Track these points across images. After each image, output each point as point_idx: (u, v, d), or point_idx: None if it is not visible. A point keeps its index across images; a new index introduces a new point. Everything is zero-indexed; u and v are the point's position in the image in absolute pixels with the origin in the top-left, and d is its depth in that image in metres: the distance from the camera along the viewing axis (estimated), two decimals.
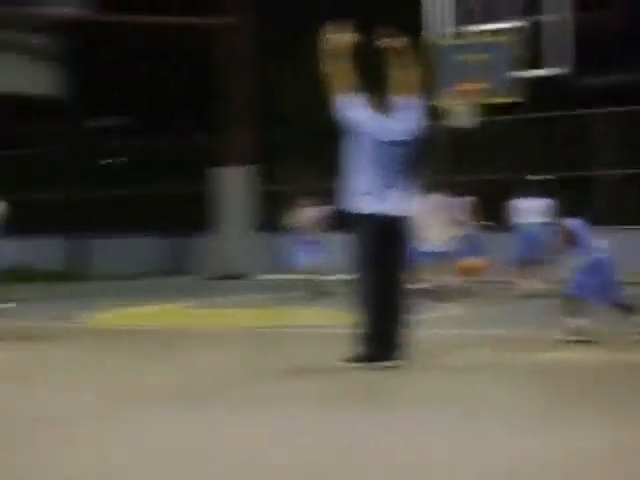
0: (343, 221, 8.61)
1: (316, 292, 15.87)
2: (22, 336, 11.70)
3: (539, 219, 15.62)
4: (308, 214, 16.41)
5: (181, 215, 23.88)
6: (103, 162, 27.61)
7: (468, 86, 18.57)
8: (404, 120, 8.34)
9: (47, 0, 22.10)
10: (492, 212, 16.70)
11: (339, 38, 8.21)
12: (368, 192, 8.19)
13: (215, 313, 14.46)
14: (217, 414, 6.72)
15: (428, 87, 12.75)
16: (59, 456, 5.67)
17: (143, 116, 27.31)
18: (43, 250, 23.90)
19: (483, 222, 16.31)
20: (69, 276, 22.60)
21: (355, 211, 8.26)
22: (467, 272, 15.66)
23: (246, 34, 22.12)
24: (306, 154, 22.16)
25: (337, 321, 10.61)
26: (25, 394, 7.82)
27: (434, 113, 16.29)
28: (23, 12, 22.19)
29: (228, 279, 21.15)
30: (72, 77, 24.69)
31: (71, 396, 7.65)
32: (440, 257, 15.03)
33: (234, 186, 22.34)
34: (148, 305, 15.37)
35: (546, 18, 19.00)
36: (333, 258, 15.66)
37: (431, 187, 14.82)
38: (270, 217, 20.97)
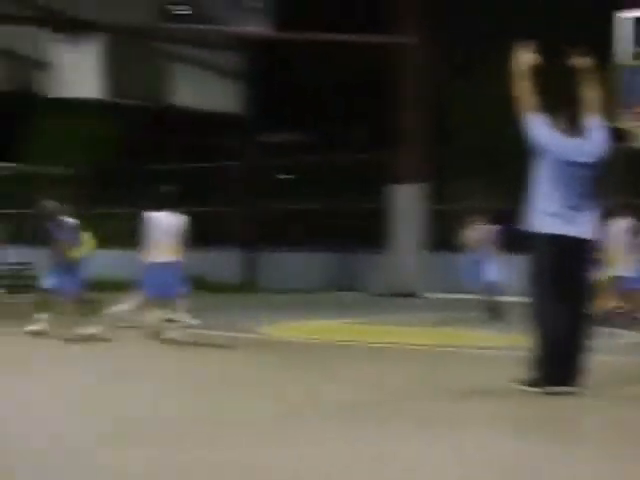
0: (521, 241, 8.48)
1: (489, 313, 15.70)
2: (199, 344, 12.05)
3: None
4: (480, 233, 16.25)
5: (354, 231, 24.04)
6: (279, 177, 28.07)
7: None
8: (593, 141, 8.19)
9: (231, 19, 22.65)
10: None
11: (523, 58, 8.16)
12: (554, 213, 8.05)
13: (386, 330, 14.48)
14: (391, 431, 6.73)
15: (611, 108, 12.51)
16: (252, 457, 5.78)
17: (320, 132, 27.65)
18: (218, 262, 24.43)
19: None
20: (242, 288, 23.06)
21: (538, 232, 8.12)
22: None
23: (421, 52, 22.17)
24: (478, 173, 22.00)
25: (511, 343, 10.48)
26: (204, 399, 8.01)
27: (617, 135, 15.94)
28: (209, 31, 22.82)
29: (399, 296, 21.16)
30: (252, 93, 25.22)
31: (247, 406, 7.79)
32: (624, 282, 14.64)
33: (407, 203, 22.35)
34: (320, 319, 15.53)
35: None
36: (507, 278, 15.49)
37: (614, 211, 14.48)
38: (441, 236, 20.90)
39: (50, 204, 12.77)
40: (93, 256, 12.78)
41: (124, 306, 13.14)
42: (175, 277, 12.57)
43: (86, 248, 12.60)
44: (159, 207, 12.61)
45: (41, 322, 12.33)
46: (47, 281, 12.43)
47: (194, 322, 13.29)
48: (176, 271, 12.59)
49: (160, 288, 12.42)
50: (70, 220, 12.58)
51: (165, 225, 12.46)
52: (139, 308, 12.89)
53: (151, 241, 12.44)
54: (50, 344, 11.97)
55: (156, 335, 12.39)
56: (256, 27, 22.49)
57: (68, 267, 12.35)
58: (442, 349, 12.07)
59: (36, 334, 12.21)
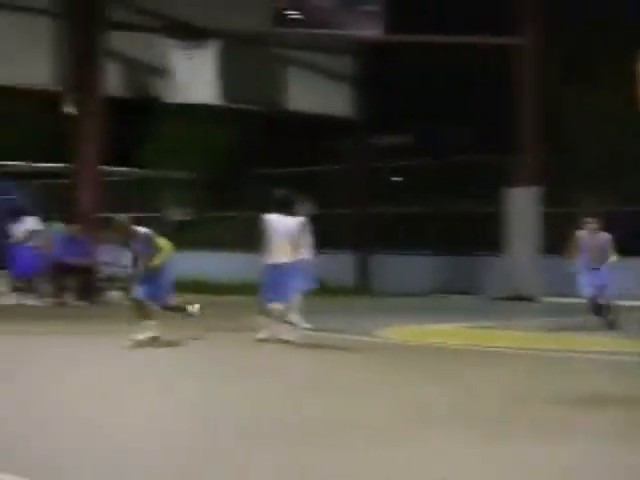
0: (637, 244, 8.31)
1: (604, 317, 15.42)
2: (316, 346, 12.14)
3: None
4: (591, 238, 15.94)
5: (469, 234, 23.87)
6: (392, 180, 28.04)
7: None
8: None
9: (345, 23, 22.72)
10: None
11: None
12: None
13: (502, 334, 14.36)
14: (502, 440, 6.65)
15: None
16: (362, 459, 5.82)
17: (432, 135, 27.54)
18: (332, 265, 24.48)
19: None
20: (356, 291, 23.10)
21: None
22: None
23: (537, 54, 21.91)
24: (593, 176, 21.64)
25: (627, 348, 10.30)
26: (318, 401, 8.07)
27: None
28: (322, 35, 22.92)
29: (514, 300, 20.93)
30: (365, 96, 25.25)
31: (363, 408, 7.83)
32: None
33: (524, 206, 22.08)
34: (436, 323, 15.49)
35: None
36: (623, 284, 15.20)
37: None
38: (556, 239, 20.58)
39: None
40: (173, 260, 12.66)
41: (280, 309, 13.34)
42: (294, 278, 12.73)
43: (164, 255, 12.49)
44: (277, 210, 12.79)
45: (147, 330, 12.24)
46: (136, 291, 12.44)
47: (305, 325, 13.45)
48: (296, 271, 12.77)
49: (280, 290, 12.60)
50: (143, 230, 12.56)
51: (283, 227, 12.65)
52: (290, 310, 13.16)
53: (269, 243, 12.62)
54: (154, 350, 12.18)
55: (273, 337, 12.52)
56: (370, 31, 22.51)
57: (150, 276, 12.36)
58: (558, 354, 11.93)
59: (142, 343, 12.15)
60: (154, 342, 12.06)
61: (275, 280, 12.55)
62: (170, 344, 12.13)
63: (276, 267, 12.56)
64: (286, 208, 12.82)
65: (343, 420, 7.35)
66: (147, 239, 12.41)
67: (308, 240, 13.65)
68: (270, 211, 12.78)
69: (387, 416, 7.50)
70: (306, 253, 13.48)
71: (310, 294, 13.53)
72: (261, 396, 8.51)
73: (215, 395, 8.60)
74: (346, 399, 8.34)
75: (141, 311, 12.31)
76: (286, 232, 12.64)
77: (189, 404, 8.17)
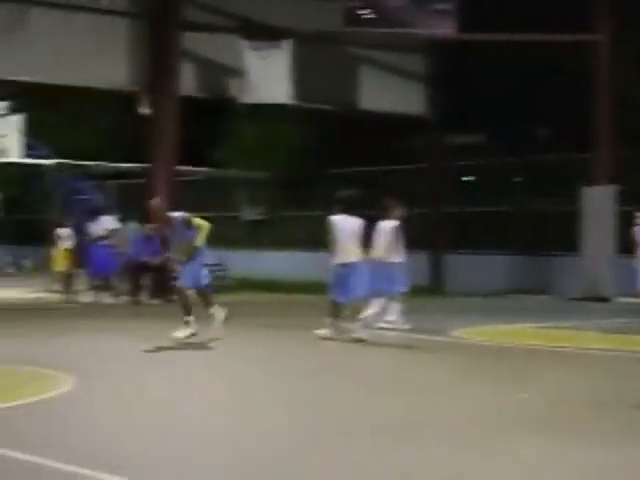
0: None
1: None
2: (395, 346, 12.17)
3: None
4: None
5: (545, 233, 23.65)
6: (464, 179, 27.89)
7: None
8: None
9: (418, 22, 22.67)
10: None
11: None
12: None
13: (577, 335, 14.20)
14: (582, 444, 6.57)
15: None
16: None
17: (505, 133, 27.33)
18: (407, 264, 24.38)
19: None
20: (431, 291, 23.02)
21: None
22: None
23: (614, 52, 21.65)
24: None
25: None
26: (395, 401, 8.08)
27: None
28: (395, 34, 22.90)
29: (590, 301, 20.69)
30: (438, 95, 25.15)
31: (440, 409, 7.81)
32: None
33: (600, 206, 21.81)
34: (511, 323, 15.38)
35: None
36: None
37: None
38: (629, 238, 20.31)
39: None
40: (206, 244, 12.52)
41: (372, 310, 13.48)
42: (362, 277, 12.82)
43: (205, 233, 12.17)
44: (342, 210, 12.89)
45: (191, 324, 12.20)
46: (184, 281, 12.44)
47: (405, 326, 13.62)
48: (363, 271, 12.87)
49: (348, 290, 12.67)
50: (178, 214, 12.42)
51: (349, 227, 12.75)
52: (384, 310, 13.29)
53: (336, 244, 12.73)
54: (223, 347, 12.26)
55: (340, 336, 12.56)
56: (443, 29, 22.43)
57: (192, 262, 12.29)
58: (634, 355, 11.77)
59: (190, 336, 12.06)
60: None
61: (343, 280, 12.67)
62: (244, 343, 12.23)
63: (344, 266, 12.68)
64: (351, 208, 12.94)
65: (421, 420, 7.35)
66: (185, 221, 12.31)
67: (400, 242, 13.98)
68: (336, 211, 12.91)
69: (464, 418, 7.48)
70: (399, 256, 13.88)
71: (404, 296, 13.84)
72: (340, 395, 8.55)
73: (297, 395, 8.64)
74: (423, 399, 8.34)
75: (206, 299, 12.34)
76: (352, 232, 12.78)
77: (272, 403, 8.22)
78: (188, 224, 12.34)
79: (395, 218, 13.91)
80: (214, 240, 13.06)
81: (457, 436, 6.77)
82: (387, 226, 13.79)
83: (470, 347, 12.66)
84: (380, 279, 13.33)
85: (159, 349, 11.65)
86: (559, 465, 5.96)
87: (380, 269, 13.40)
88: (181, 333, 12.09)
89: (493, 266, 23.69)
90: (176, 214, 12.51)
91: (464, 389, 8.93)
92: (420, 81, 24.97)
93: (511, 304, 20.11)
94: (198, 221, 12.42)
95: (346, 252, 12.71)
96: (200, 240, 12.29)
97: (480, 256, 24.11)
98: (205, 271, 12.50)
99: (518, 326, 15.09)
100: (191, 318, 12.17)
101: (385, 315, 13.95)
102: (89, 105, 27.88)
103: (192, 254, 12.29)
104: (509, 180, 25.49)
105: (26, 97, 24.69)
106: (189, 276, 12.28)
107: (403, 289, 14.01)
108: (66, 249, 20.19)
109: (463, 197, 26.13)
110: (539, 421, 7.35)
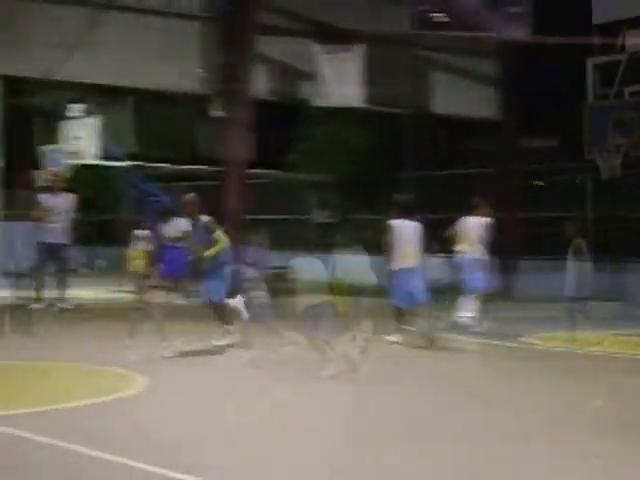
0: None
1: None
2: (461, 350, 12.09)
3: None
4: None
5: (619, 239, 23.34)
6: (535, 183, 27.65)
7: None
8: None
9: (490, 26, 22.54)
10: None
11: None
12: None
13: None
14: None
15: None
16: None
17: (576, 138, 27.03)
18: None
19: None
20: (502, 296, 22.82)
21: None
22: None
23: None
24: None
25: None
26: (466, 407, 8.03)
27: None
28: (467, 37, 22.80)
29: None
30: (509, 99, 24.96)
31: (509, 418, 7.75)
32: None
33: None
34: (584, 330, 15.20)
35: None
36: None
37: None
38: None
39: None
40: (227, 253, 12.49)
41: (466, 312, 13.50)
42: (421, 282, 12.81)
43: (220, 247, 12.24)
44: (399, 215, 12.89)
45: (230, 335, 12.26)
46: (214, 295, 12.40)
47: (478, 328, 13.60)
48: (421, 275, 12.85)
49: (409, 295, 12.66)
50: (206, 217, 12.47)
51: (406, 232, 12.76)
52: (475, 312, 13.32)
53: (395, 248, 12.72)
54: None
55: (406, 340, 12.53)
56: (515, 32, 22.28)
57: (210, 273, 12.24)
58: None
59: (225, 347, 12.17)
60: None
61: (402, 284, 12.65)
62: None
63: (403, 271, 12.67)
64: (409, 212, 12.96)
65: (496, 426, 7.30)
66: (207, 227, 12.35)
67: (486, 241, 14.06)
68: (393, 216, 12.93)
69: (535, 426, 7.42)
70: (483, 254, 13.94)
71: (486, 296, 13.83)
72: (413, 401, 8.52)
73: (374, 399, 8.64)
74: (495, 405, 8.28)
75: (222, 314, 12.34)
76: (410, 237, 12.77)
77: (347, 408, 8.23)
78: (209, 230, 12.38)
79: (483, 215, 14.02)
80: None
81: (520, 442, 6.71)
82: (476, 222, 13.81)
83: (541, 353, 12.58)
84: (465, 274, 13.39)
85: (230, 351, 11.71)
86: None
87: (466, 264, 13.47)
88: (221, 342, 12.18)
89: (565, 272, 23.41)
90: (204, 217, 12.48)
91: (532, 396, 8.86)
92: (491, 84, 24.82)
93: (584, 311, 19.83)
94: (219, 233, 12.43)
95: (404, 257, 12.71)
96: (212, 252, 12.21)
97: (552, 262, 23.83)
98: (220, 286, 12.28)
99: (591, 333, 14.90)
100: (231, 328, 12.29)
101: (466, 311, 13.91)
102: (161, 108, 28.10)
103: (208, 261, 12.20)
104: (582, 185, 25.19)
105: (102, 100, 24.99)
106: (217, 290, 12.31)
107: (487, 287, 14.03)
108: (143, 250, 20.34)
109: (535, 202, 25.90)
110: (618, 430, 7.25)
